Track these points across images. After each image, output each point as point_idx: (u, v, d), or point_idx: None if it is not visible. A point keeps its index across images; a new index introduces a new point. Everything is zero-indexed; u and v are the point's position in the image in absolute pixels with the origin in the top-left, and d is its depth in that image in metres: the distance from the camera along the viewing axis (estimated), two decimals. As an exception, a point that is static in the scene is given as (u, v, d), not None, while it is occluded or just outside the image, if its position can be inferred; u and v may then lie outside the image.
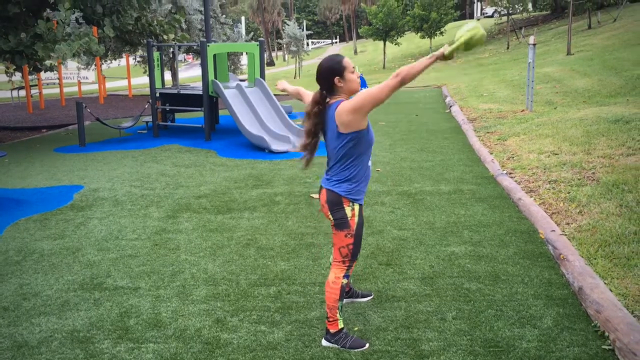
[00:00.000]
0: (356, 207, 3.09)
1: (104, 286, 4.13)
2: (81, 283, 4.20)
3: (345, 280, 3.15)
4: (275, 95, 10.94)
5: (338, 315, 3.18)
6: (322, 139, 3.19)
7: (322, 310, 3.63)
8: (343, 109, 2.95)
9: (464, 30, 2.92)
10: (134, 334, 3.42)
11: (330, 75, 3.02)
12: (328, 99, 3.08)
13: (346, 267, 3.14)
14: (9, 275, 4.38)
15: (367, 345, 3.20)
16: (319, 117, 3.09)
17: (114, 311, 3.73)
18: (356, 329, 3.40)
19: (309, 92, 3.41)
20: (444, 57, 2.90)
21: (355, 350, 3.15)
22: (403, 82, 2.88)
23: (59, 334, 3.46)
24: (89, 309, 3.78)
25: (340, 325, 3.20)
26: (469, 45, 2.91)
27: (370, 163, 3.16)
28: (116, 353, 3.22)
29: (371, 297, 3.80)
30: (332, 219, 3.13)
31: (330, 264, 3.27)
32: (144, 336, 3.40)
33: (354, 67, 3.09)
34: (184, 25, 16.86)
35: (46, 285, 4.18)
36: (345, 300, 3.69)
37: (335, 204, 3.09)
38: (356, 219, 3.09)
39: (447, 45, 2.91)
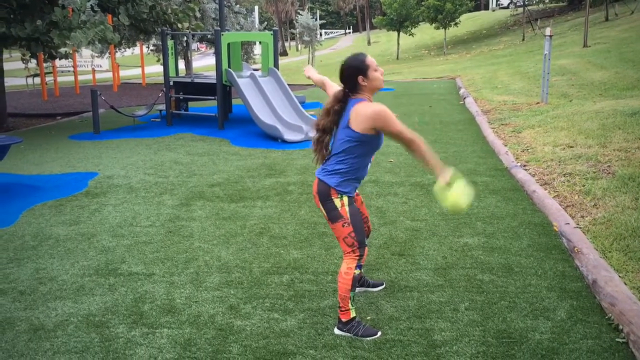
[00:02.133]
0: (345, 198, 3.10)
1: (118, 272, 4.17)
2: (96, 268, 4.24)
3: (357, 271, 3.14)
4: (288, 85, 10.93)
5: (350, 305, 3.19)
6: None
7: (335, 299, 3.64)
8: (361, 111, 2.96)
9: (460, 195, 2.93)
10: (149, 319, 3.46)
11: (354, 74, 3.03)
12: (350, 96, 3.08)
13: (357, 257, 3.14)
14: (25, 260, 4.43)
15: (379, 333, 3.21)
16: (338, 115, 3.09)
17: (129, 296, 3.77)
18: (369, 318, 3.41)
19: (334, 84, 3.41)
20: (437, 179, 3.01)
21: (368, 338, 3.17)
22: (410, 146, 2.99)
23: (74, 317, 3.50)
24: (104, 294, 3.82)
25: (353, 314, 3.22)
26: (451, 208, 2.98)
27: (369, 165, 3.19)
28: (131, 337, 3.26)
29: (383, 286, 3.81)
30: (323, 211, 3.14)
31: (342, 254, 3.27)
32: (159, 321, 3.43)
33: (377, 65, 3.08)
34: (198, 14, 16.84)
35: (62, 270, 4.23)
36: (357, 290, 3.70)
37: (324, 195, 3.10)
38: (347, 207, 3.10)
39: (445, 180, 2.95)
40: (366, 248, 3.20)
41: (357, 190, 3.33)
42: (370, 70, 3.02)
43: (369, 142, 3.03)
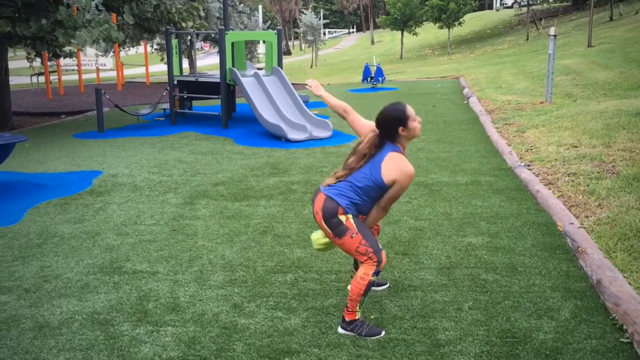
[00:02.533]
0: (350, 215, 3.10)
1: (123, 270, 4.19)
2: (101, 266, 4.26)
3: (374, 278, 3.11)
4: (292, 84, 10.93)
5: (358, 307, 3.18)
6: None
7: (339, 298, 3.65)
8: (397, 165, 3.04)
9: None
10: (153, 317, 3.47)
11: (395, 125, 3.08)
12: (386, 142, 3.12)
13: (375, 263, 3.09)
14: (30, 258, 4.45)
15: (383, 333, 3.21)
16: (368, 159, 3.11)
17: (133, 294, 3.78)
18: (372, 317, 3.41)
19: (360, 117, 3.40)
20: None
21: (372, 337, 3.17)
22: (384, 209, 3.22)
23: (79, 315, 3.51)
24: (108, 291, 3.84)
25: (358, 316, 3.21)
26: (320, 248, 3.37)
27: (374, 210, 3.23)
28: (135, 335, 3.27)
29: (387, 285, 3.81)
30: (328, 229, 3.12)
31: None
32: (163, 319, 3.44)
33: (415, 114, 3.13)
34: (202, 13, 16.86)
35: (67, 268, 4.24)
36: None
37: (330, 213, 3.08)
38: (352, 220, 3.10)
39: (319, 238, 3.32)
40: (384, 252, 3.14)
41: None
42: (410, 120, 3.08)
43: (385, 191, 3.10)
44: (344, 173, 3.15)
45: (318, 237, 3.33)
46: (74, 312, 3.56)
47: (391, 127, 3.08)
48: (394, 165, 3.03)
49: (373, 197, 3.13)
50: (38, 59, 14.25)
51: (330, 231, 3.12)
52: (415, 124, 3.11)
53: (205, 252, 4.51)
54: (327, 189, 3.15)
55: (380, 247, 3.16)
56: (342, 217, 3.08)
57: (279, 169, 7.21)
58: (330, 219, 3.09)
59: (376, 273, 3.10)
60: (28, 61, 14.58)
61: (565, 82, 12.51)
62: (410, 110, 3.10)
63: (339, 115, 3.48)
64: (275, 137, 9.38)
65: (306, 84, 3.70)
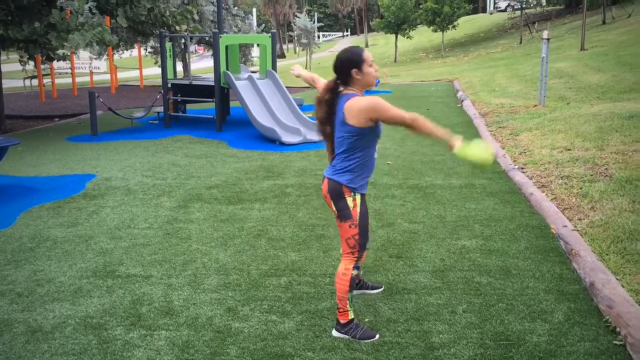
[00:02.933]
0: (357, 196, 3.10)
1: (116, 274, 4.17)
2: (94, 270, 4.24)
3: (355, 272, 3.16)
4: (286, 87, 10.93)
5: (348, 306, 3.19)
6: None
7: (333, 301, 3.64)
8: (354, 106, 2.95)
9: (482, 149, 2.97)
10: (147, 321, 3.46)
11: (348, 66, 3.02)
12: (342, 89, 3.08)
13: (355, 258, 3.16)
14: (23, 262, 4.43)
15: (378, 336, 3.21)
16: (330, 105, 3.09)
17: (127, 298, 3.77)
18: (367, 320, 3.41)
19: (324, 79, 3.40)
20: (450, 147, 3.01)
21: (366, 341, 3.17)
22: (413, 128, 3.00)
23: (72, 319, 3.50)
24: (102, 295, 3.82)
25: (351, 316, 3.22)
26: (474, 167, 2.99)
27: (375, 155, 3.17)
28: (129, 339, 3.26)
29: (381, 289, 3.81)
30: (334, 209, 3.14)
31: (341, 256, 3.28)
32: (156, 323, 3.43)
33: (372, 60, 3.08)
34: (196, 17, 16.85)
35: (59, 272, 4.22)
36: (355, 292, 3.70)
37: (336, 193, 3.10)
38: (358, 208, 3.10)
39: (460, 142, 2.97)
40: (365, 251, 3.20)
41: None
42: (366, 64, 3.02)
43: (368, 134, 3.02)
44: (329, 147, 3.17)
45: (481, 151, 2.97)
46: (67, 317, 3.54)
47: (345, 68, 3.02)
48: (354, 109, 2.95)
49: (364, 147, 3.05)
50: (31, 62, 14.19)
51: (336, 212, 3.14)
52: (371, 70, 3.04)
53: (199, 255, 4.50)
54: (327, 172, 3.18)
55: (368, 246, 3.19)
56: (350, 201, 3.08)
57: (273, 172, 7.21)
58: (338, 201, 3.10)
59: (356, 267, 3.16)
60: (21, 64, 14.51)
61: (559, 85, 12.57)
62: (367, 54, 3.05)
63: (310, 85, 3.52)
64: (270, 141, 9.37)
65: (291, 70, 3.74)
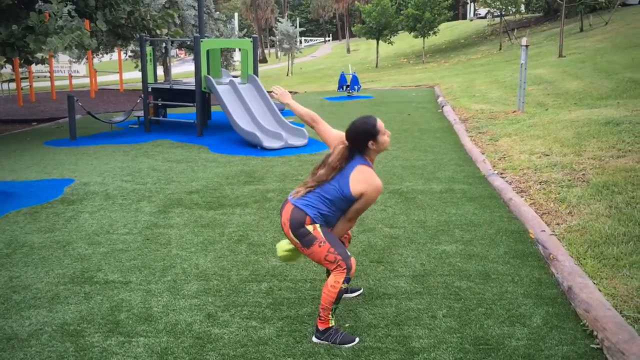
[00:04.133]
0: (317, 225, 3.11)
1: (94, 280, 4.12)
2: (71, 277, 4.18)
3: (344, 285, 3.10)
4: (268, 92, 10.92)
5: (330, 316, 3.18)
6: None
7: (314, 307, 3.64)
8: (365, 178, 3.05)
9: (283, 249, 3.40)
10: (125, 328, 3.42)
11: (365, 138, 3.09)
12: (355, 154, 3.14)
13: (345, 270, 3.08)
14: (-1, 268, 4.35)
15: (357, 340, 3.21)
16: (339, 171, 3.11)
17: (105, 305, 3.72)
18: (347, 325, 3.41)
19: (329, 127, 3.39)
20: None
21: (346, 345, 3.16)
22: (351, 220, 3.25)
23: (49, 327, 3.44)
24: (79, 302, 3.77)
25: (331, 324, 3.20)
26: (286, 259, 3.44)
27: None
28: (107, 347, 3.21)
29: (360, 291, 3.82)
30: (295, 240, 3.12)
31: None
32: (135, 330, 3.39)
33: (384, 128, 3.15)
34: (177, 21, 16.78)
35: (36, 278, 4.16)
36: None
37: (298, 224, 3.08)
38: (319, 229, 3.10)
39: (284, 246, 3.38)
40: (353, 259, 3.14)
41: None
42: (380, 134, 3.10)
43: (352, 204, 3.11)
44: (313, 184, 3.15)
45: (283, 244, 3.36)
46: (44, 324, 3.48)
47: (361, 140, 3.09)
48: (362, 179, 3.04)
49: (341, 209, 3.15)
50: (9, 66, 14.00)
51: (298, 242, 3.11)
52: (385, 137, 3.13)
53: (179, 261, 4.46)
54: (295, 200, 3.14)
55: (349, 254, 3.15)
56: (310, 227, 3.08)
57: (254, 177, 7.19)
58: (298, 229, 3.09)
59: (347, 280, 3.10)
60: (-2, 67, 14.32)
61: (537, 92, 12.73)
62: (380, 124, 3.11)
63: (307, 124, 3.46)
64: (251, 145, 9.35)
65: (272, 91, 3.61)
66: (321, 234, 3.09)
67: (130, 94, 19.82)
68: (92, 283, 4.07)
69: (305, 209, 3.09)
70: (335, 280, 3.08)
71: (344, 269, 3.08)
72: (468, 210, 5.56)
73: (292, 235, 3.11)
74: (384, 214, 5.52)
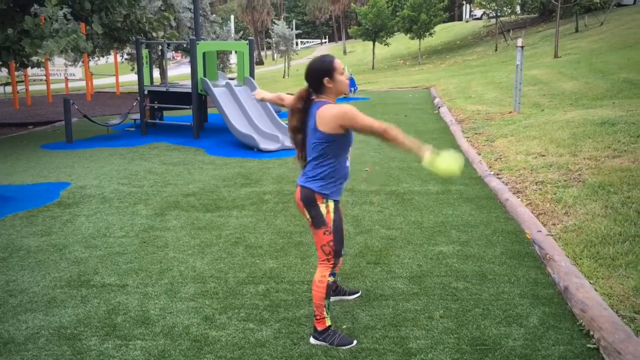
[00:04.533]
0: (330, 203, 3.11)
1: (91, 283, 4.11)
2: (68, 280, 4.17)
3: (331, 279, 3.16)
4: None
5: (325, 313, 3.19)
6: None
7: (311, 309, 3.64)
8: (325, 114, 2.97)
9: (450, 159, 2.94)
10: (122, 331, 3.41)
11: (320, 75, 3.04)
12: (313, 97, 3.10)
13: (331, 265, 3.16)
14: (-5, 272, 4.34)
15: (355, 342, 3.21)
16: (303, 113, 3.11)
17: (102, 308, 3.72)
18: (345, 327, 3.41)
19: (290, 95, 3.41)
20: (421, 159, 2.95)
21: (343, 347, 3.17)
22: (384, 138, 2.98)
23: (45, 330, 3.44)
24: (76, 306, 3.76)
25: (328, 323, 3.22)
26: (443, 176, 3.01)
27: (348, 163, 3.19)
28: (104, 350, 3.21)
29: (358, 294, 3.82)
30: (308, 217, 3.15)
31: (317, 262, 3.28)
32: (132, 333, 3.39)
33: (343, 68, 3.10)
34: (173, 23, 16.79)
35: (33, 282, 4.15)
36: (332, 298, 3.71)
37: (309, 200, 3.11)
38: (332, 215, 3.11)
39: (430, 153, 2.92)
40: (341, 258, 3.21)
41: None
42: (337, 72, 3.05)
43: (339, 141, 3.04)
44: (300, 154, 3.18)
45: (441, 162, 2.94)
46: (40, 327, 3.48)
47: (317, 77, 3.04)
48: (325, 116, 2.96)
49: (335, 154, 3.06)
50: (4, 69, 13.98)
51: (310, 219, 3.14)
52: (342, 78, 3.07)
53: (176, 263, 4.46)
54: (300, 180, 3.18)
55: (343, 253, 3.19)
56: (323, 208, 3.09)
57: (251, 179, 7.19)
58: (312, 208, 3.11)
59: (332, 274, 3.16)
60: (-6, 71, 14.29)
61: (533, 92, 12.76)
62: (338, 62, 3.07)
63: (277, 104, 3.48)
64: (248, 147, 9.35)
65: (255, 95, 3.69)
66: (332, 221, 3.10)
67: (126, 97, 19.81)
68: (89, 286, 4.06)
69: (309, 184, 3.10)
70: (322, 275, 3.14)
71: (331, 264, 3.15)
72: (464, 211, 5.56)
73: (307, 213, 3.14)
74: (381, 215, 5.53)
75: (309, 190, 3.10)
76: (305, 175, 3.14)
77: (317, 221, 3.11)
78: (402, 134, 2.98)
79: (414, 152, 2.98)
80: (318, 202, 3.09)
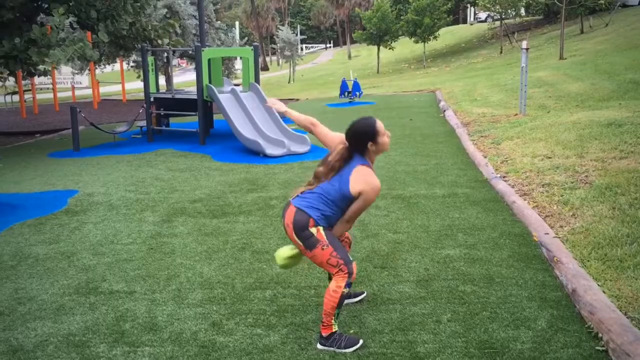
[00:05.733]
0: (320, 228, 3.13)
1: (99, 290, 4.13)
2: (76, 287, 4.19)
3: (346, 290, 3.12)
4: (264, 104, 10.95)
5: (333, 321, 3.19)
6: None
7: (318, 314, 3.64)
8: (365, 179, 3.06)
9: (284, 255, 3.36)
10: (130, 338, 3.42)
11: (364, 139, 3.10)
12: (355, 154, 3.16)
13: (346, 274, 3.10)
14: (4, 280, 4.37)
15: (361, 341, 3.21)
16: (338, 171, 3.14)
17: (110, 315, 3.73)
18: (352, 331, 3.41)
19: (329, 131, 3.38)
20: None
21: (351, 349, 3.17)
22: (351, 219, 3.23)
23: (54, 338, 3.46)
24: (84, 313, 3.78)
25: (334, 329, 3.21)
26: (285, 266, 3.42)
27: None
28: (112, 357, 3.22)
29: (364, 295, 3.82)
30: (298, 242, 3.13)
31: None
32: (140, 340, 3.40)
33: (384, 129, 3.15)
34: (178, 30, 16.88)
35: (41, 289, 4.17)
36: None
37: (301, 226, 3.10)
38: (322, 232, 3.12)
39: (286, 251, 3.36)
40: (354, 264, 3.16)
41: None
42: (380, 135, 3.11)
43: (352, 202, 3.12)
44: (314, 184, 3.18)
45: (282, 252, 3.35)
46: (49, 335, 3.49)
47: (361, 141, 3.11)
48: (361, 179, 3.06)
49: (342, 208, 3.16)
50: (12, 78, 14.09)
51: (301, 244, 3.13)
52: (385, 138, 3.13)
53: (183, 270, 4.47)
54: (297, 201, 3.17)
55: (351, 258, 3.17)
56: (313, 230, 3.10)
57: (257, 184, 7.20)
58: (302, 232, 3.10)
59: (348, 285, 3.11)
60: (1, 81, 14.40)
61: (539, 94, 12.73)
62: (380, 125, 3.12)
63: (306, 129, 3.42)
64: (253, 153, 9.37)
65: (267, 104, 3.67)
66: (324, 236, 3.10)
67: (132, 104, 19.90)
68: (97, 293, 4.08)
69: (308, 210, 3.11)
70: (337, 285, 3.10)
71: (346, 273, 3.10)
72: (471, 214, 5.55)
73: (295, 237, 3.13)
74: (387, 219, 5.53)
75: (305, 215, 3.10)
76: (307, 201, 3.14)
77: (310, 242, 3.10)
78: (341, 228, 3.25)
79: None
80: (309, 227, 3.11)
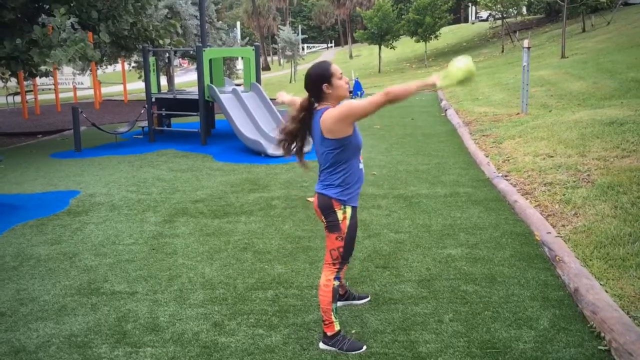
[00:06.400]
0: (348, 209, 3.11)
1: (101, 291, 4.13)
2: (78, 288, 4.20)
3: (336, 283, 3.17)
4: (271, 99, 10.95)
5: (333, 317, 3.19)
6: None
7: (319, 314, 3.63)
8: (328, 117, 2.98)
9: (458, 65, 2.90)
10: (132, 338, 3.43)
11: (318, 82, 3.05)
12: (316, 105, 3.10)
13: (336, 270, 3.18)
14: (6, 281, 4.37)
15: (365, 347, 3.21)
16: (303, 123, 3.13)
17: (112, 316, 3.73)
18: (354, 331, 3.41)
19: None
20: (434, 86, 2.92)
21: (353, 352, 3.16)
22: (390, 101, 2.90)
23: (56, 338, 3.46)
24: (86, 313, 3.78)
25: (337, 327, 3.21)
26: (461, 84, 2.94)
27: (361, 165, 3.17)
28: (114, 357, 3.22)
29: (368, 299, 3.81)
30: (325, 221, 3.17)
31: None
32: (142, 340, 3.40)
33: (341, 73, 3.09)
34: (179, 30, 16.87)
35: (43, 290, 4.18)
36: (341, 303, 3.71)
37: (326, 207, 3.12)
38: (347, 221, 3.11)
39: (438, 76, 2.92)
40: (346, 264, 3.24)
41: None
42: (335, 78, 3.05)
43: (348, 145, 3.04)
44: (283, 139, 3.20)
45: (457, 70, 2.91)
46: (51, 336, 3.50)
47: (316, 84, 3.05)
48: (328, 122, 2.96)
49: (346, 159, 3.06)
50: (13, 79, 14.10)
51: (326, 223, 3.16)
52: (341, 82, 3.05)
53: (185, 270, 4.47)
54: (317, 186, 3.20)
55: (350, 260, 3.23)
56: (340, 214, 3.10)
57: (259, 184, 7.20)
58: (329, 214, 3.12)
59: (337, 278, 3.17)
60: (3, 81, 14.42)
61: (540, 93, 12.71)
62: (335, 67, 3.07)
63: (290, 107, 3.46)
64: (255, 153, 9.37)
65: (277, 99, 3.70)
66: (346, 228, 3.12)
67: (134, 105, 19.91)
68: (99, 294, 4.08)
69: (326, 191, 3.12)
70: (327, 279, 3.16)
71: (336, 269, 3.17)
72: (473, 214, 5.55)
73: (323, 218, 3.16)
74: (389, 219, 5.52)
75: (326, 197, 3.11)
76: (322, 183, 3.16)
77: (332, 226, 3.13)
78: (402, 86, 2.91)
79: (427, 87, 2.93)
80: (335, 209, 3.10)
